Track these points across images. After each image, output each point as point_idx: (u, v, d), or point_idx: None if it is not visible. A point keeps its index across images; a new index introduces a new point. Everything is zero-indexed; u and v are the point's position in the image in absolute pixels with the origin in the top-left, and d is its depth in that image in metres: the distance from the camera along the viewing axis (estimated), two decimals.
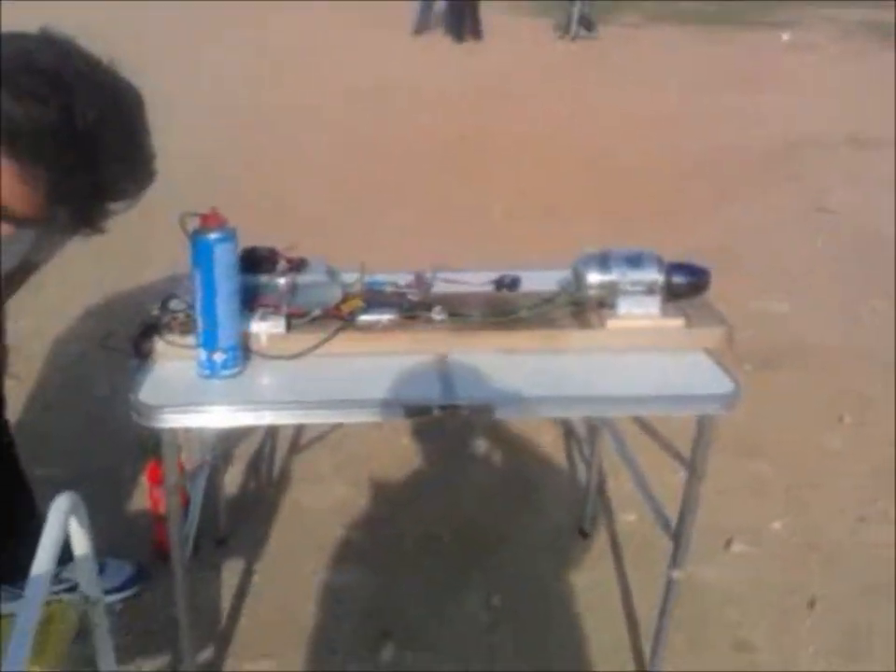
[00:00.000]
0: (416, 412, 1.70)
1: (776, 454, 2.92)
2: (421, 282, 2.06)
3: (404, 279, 2.04)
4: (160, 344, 1.81)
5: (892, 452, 2.95)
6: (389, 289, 1.99)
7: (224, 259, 1.68)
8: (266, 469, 2.89)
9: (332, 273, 1.94)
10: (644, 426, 2.06)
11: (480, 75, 9.37)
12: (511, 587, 2.37)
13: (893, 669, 2.11)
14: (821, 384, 3.34)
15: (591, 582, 2.40)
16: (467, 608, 2.31)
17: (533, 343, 1.87)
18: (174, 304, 1.88)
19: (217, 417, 1.69)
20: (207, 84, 8.15)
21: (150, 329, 1.87)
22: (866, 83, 9.06)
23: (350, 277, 1.97)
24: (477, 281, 2.09)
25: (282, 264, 1.88)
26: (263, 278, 1.85)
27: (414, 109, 7.67)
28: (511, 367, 1.82)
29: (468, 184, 5.80)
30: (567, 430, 3.03)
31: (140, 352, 1.87)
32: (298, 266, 1.89)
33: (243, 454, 2.91)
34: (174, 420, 1.66)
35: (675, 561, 1.89)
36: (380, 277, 2.03)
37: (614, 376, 1.80)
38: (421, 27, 12.19)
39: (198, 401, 1.67)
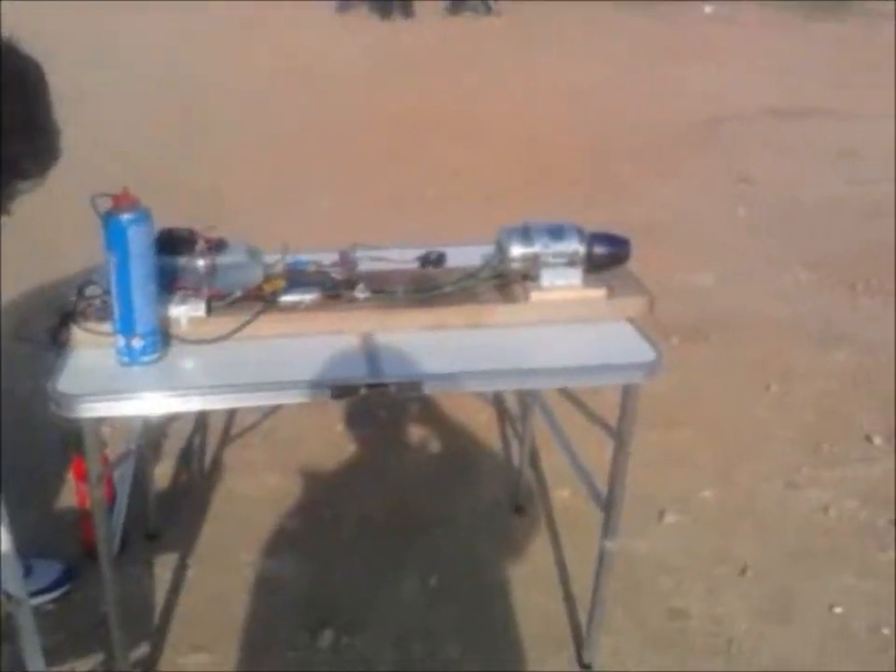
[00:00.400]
0: (343, 391, 1.68)
1: (704, 424, 2.96)
2: (345, 260, 2.02)
3: (328, 258, 2.01)
4: (76, 332, 1.75)
5: (813, 417, 3.01)
6: (312, 268, 1.96)
7: (138, 240, 1.63)
8: (197, 459, 2.84)
9: (253, 254, 1.89)
10: (574, 400, 2.07)
11: (405, 53, 9.28)
12: (449, 567, 2.37)
13: (821, 631, 2.16)
14: (748, 354, 3.39)
15: (527, 558, 2.41)
16: (404, 590, 2.30)
17: (458, 318, 1.85)
18: (90, 291, 1.83)
19: (139, 405, 1.65)
20: (125, 64, 7.94)
21: (68, 318, 1.82)
22: (787, 55, 9.19)
23: (272, 258, 1.93)
24: (402, 258, 2.06)
25: (201, 245, 1.83)
26: (182, 260, 1.80)
27: (339, 89, 7.56)
28: (438, 343, 1.80)
29: (398, 165, 5.75)
30: (501, 409, 3.03)
31: (58, 342, 1.82)
32: (217, 247, 1.84)
33: (172, 444, 2.85)
34: (93, 409, 1.61)
35: (607, 532, 1.91)
36: (303, 257, 1.99)
37: (539, 348, 1.80)
38: (344, 4, 11.98)
39: (118, 389, 1.62)
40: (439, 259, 2.09)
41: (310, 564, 2.38)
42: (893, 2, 11.58)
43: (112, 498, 2.28)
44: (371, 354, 1.75)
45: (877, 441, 2.86)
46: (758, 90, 7.57)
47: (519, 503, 2.60)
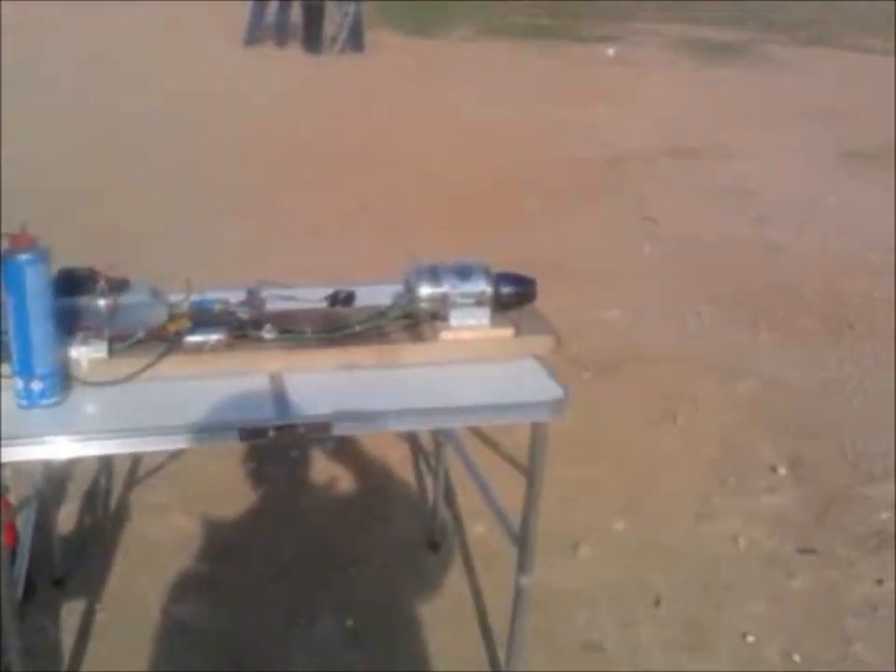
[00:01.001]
0: (252, 434, 1.65)
1: (614, 457, 3.00)
2: (253, 299, 2.00)
3: (235, 297, 1.98)
4: None
5: (719, 449, 3.08)
6: (218, 308, 1.93)
7: (35, 281, 1.59)
8: (102, 501, 2.75)
9: (156, 293, 1.86)
10: (485, 437, 2.07)
11: (312, 86, 9.29)
12: (365, 607, 2.34)
13: (735, 660, 2.19)
14: (656, 387, 3.45)
15: (444, 595, 2.40)
16: (320, 631, 2.26)
17: (368, 357, 1.84)
18: None
19: (40, 450, 1.59)
20: (28, 87, 7.76)
21: None
22: (685, 98, 9.50)
23: (177, 296, 1.89)
24: (311, 297, 2.05)
25: (101, 285, 1.79)
26: (82, 300, 1.76)
27: (246, 119, 7.51)
28: (347, 383, 1.79)
29: (304, 196, 5.72)
30: (415, 446, 3.02)
31: None
32: (119, 286, 1.81)
33: (76, 487, 2.76)
34: None
35: (522, 568, 1.91)
36: (209, 295, 1.96)
37: (448, 387, 1.80)
38: (252, 37, 11.94)
39: (18, 434, 1.56)
40: (347, 299, 2.08)
41: (223, 607, 2.32)
42: (792, 47, 12.14)
43: (15, 543, 2.21)
44: (278, 395, 1.72)
45: (781, 470, 2.94)
46: (658, 131, 7.78)
47: (434, 540, 2.59)
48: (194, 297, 1.91)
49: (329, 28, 11.93)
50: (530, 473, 1.85)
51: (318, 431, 1.68)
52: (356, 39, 11.75)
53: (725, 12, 16.80)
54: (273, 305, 1.97)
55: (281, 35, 11.99)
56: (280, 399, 1.70)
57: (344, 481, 2.87)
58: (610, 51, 12.05)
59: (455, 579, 2.46)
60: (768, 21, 15.86)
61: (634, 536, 2.62)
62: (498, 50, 12.34)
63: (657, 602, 2.36)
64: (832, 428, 3.20)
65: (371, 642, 2.23)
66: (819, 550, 2.57)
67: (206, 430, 1.63)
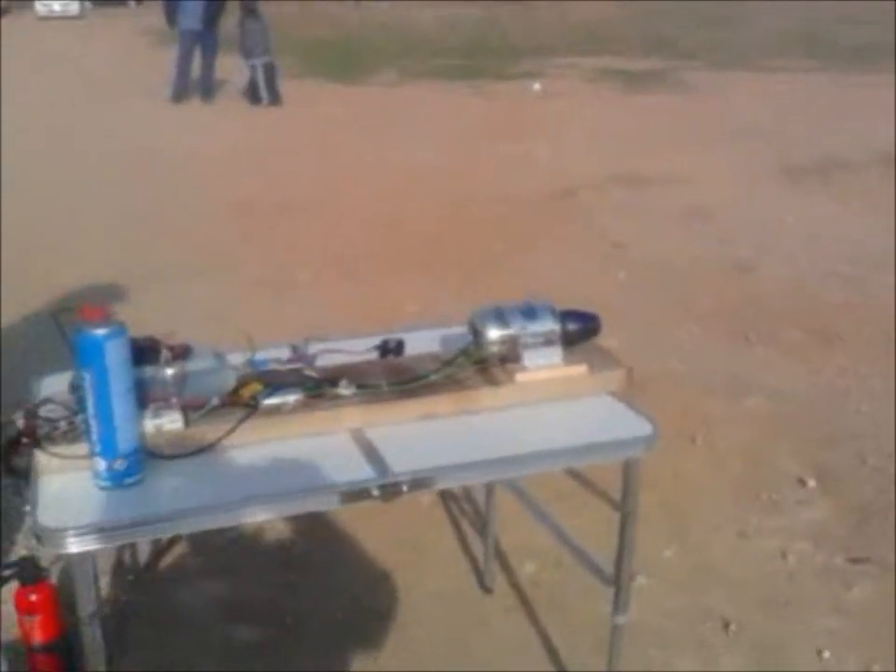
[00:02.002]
0: (354, 496, 1.59)
1: (646, 484, 2.96)
2: (303, 356, 1.94)
3: (279, 354, 1.91)
4: (41, 458, 1.60)
5: (744, 466, 3.09)
6: (272, 367, 1.86)
7: (115, 355, 1.52)
8: (131, 577, 2.61)
9: (220, 357, 1.79)
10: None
11: (250, 139, 9.23)
12: (434, 663, 2.26)
13: None
14: (667, 410, 3.42)
15: (510, 639, 2.35)
16: None
17: (447, 407, 1.80)
18: (47, 412, 1.67)
19: (132, 533, 1.50)
20: None
21: (15, 443, 1.67)
22: (617, 124, 9.69)
23: (236, 359, 1.83)
24: (358, 349, 1.99)
25: (166, 353, 1.71)
26: (148, 371, 1.68)
27: (183, 174, 7.40)
28: (429, 434, 1.74)
29: (260, 249, 5.63)
30: (444, 491, 2.96)
31: (12, 469, 1.67)
32: (182, 353, 1.74)
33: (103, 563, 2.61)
34: (84, 543, 1.45)
35: (617, 608, 1.87)
36: (257, 356, 1.89)
37: (536, 431, 1.77)
38: (178, 94, 11.84)
39: (107, 519, 1.48)
40: (398, 348, 2.04)
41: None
42: (705, 71, 12.50)
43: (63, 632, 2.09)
44: (369, 452, 1.66)
45: (811, 483, 2.95)
46: (601, 160, 7.90)
47: (485, 583, 2.53)
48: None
49: (240, 81, 11.94)
50: (625, 511, 1.82)
51: (421, 487, 1.63)
52: (272, 92, 11.73)
53: (633, 43, 17.30)
54: (323, 361, 1.93)
55: (205, 90, 11.93)
56: (373, 456, 1.65)
57: (380, 528, 2.79)
58: (536, 86, 12.26)
59: (517, 621, 2.40)
60: (676, 50, 16.34)
61: (684, 562, 2.60)
62: (426, 93, 12.45)
63: (726, 626, 2.34)
64: (847, 437, 3.23)
65: None
66: (869, 559, 2.58)
67: (304, 496, 1.57)
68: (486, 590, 2.53)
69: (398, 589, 2.54)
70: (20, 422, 1.68)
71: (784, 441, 3.22)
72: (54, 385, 1.80)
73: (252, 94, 11.77)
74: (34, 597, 2.08)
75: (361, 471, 1.60)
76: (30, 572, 2.32)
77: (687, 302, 4.54)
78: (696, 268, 5.08)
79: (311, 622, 2.41)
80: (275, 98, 11.71)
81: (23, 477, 1.70)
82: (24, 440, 1.68)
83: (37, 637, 2.10)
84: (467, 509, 2.92)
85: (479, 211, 6.48)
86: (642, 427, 1.77)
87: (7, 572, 2.04)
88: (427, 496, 2.94)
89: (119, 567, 2.61)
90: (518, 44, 17.68)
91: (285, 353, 1.92)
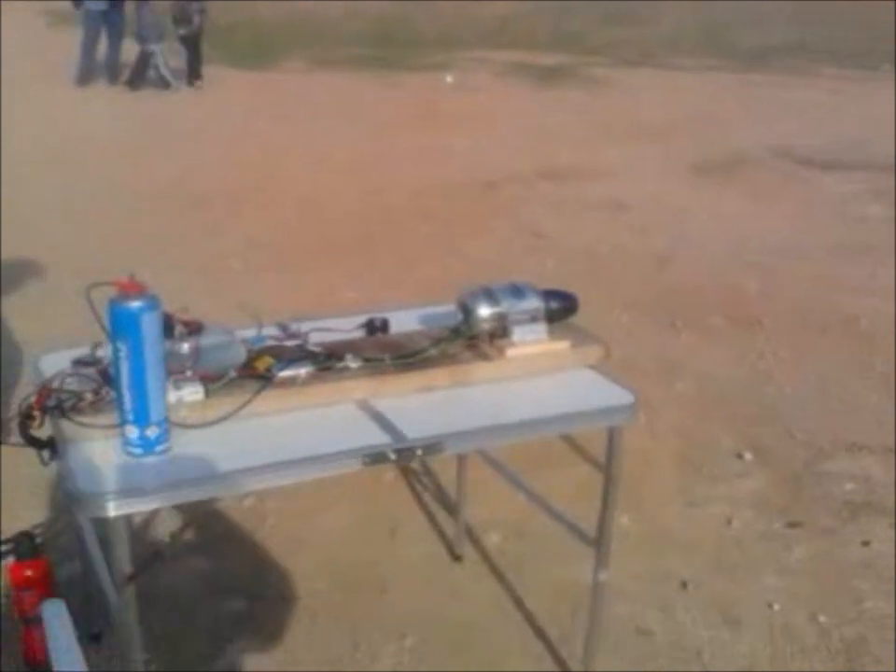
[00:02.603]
0: (375, 459, 1.70)
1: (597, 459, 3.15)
2: (296, 333, 2.04)
3: (271, 332, 2.00)
4: (68, 428, 1.66)
5: (684, 442, 3.30)
6: (270, 343, 1.95)
7: (150, 328, 1.60)
8: None
9: (230, 333, 1.88)
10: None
11: (161, 125, 9.11)
12: (415, 623, 2.39)
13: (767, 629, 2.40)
14: None
15: (484, 602, 2.49)
16: (386, 653, 2.30)
17: (444, 379, 1.93)
18: (69, 384, 1.73)
19: (171, 496, 1.59)
20: None
21: (29, 416, 1.74)
22: (531, 118, 9.92)
23: (241, 334, 1.92)
24: (345, 327, 2.10)
25: (180, 328, 1.79)
26: (166, 345, 1.75)
27: (93, 162, 7.28)
28: (429, 404, 1.86)
29: (187, 238, 5.62)
30: (406, 467, 3.08)
31: (31, 440, 1.73)
32: (197, 329, 1.82)
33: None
34: (124, 506, 1.53)
35: (600, 564, 2.03)
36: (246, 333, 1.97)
37: (527, 400, 1.91)
38: (83, 77, 11.53)
39: (144, 482, 1.56)
40: (384, 326, 2.15)
41: (276, 647, 2.32)
42: (614, 68, 12.86)
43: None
44: (379, 420, 1.78)
45: (747, 456, 3.18)
46: (518, 153, 8.08)
47: (455, 552, 2.67)
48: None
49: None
50: (608, 475, 1.98)
51: (433, 451, 1.75)
52: (161, 77, 11.56)
53: (540, 38, 17.62)
54: (315, 337, 2.02)
55: (112, 72, 11.67)
56: (384, 423, 1.76)
57: (349, 504, 2.89)
58: (449, 78, 12.40)
59: (489, 586, 2.54)
60: (584, 46, 16.71)
61: (640, 528, 2.78)
62: (337, 81, 12.46)
63: (684, 585, 2.53)
64: (775, 415, 3.48)
65: (437, 656, 2.29)
66: (804, 523, 2.81)
67: (329, 460, 1.67)
68: (456, 558, 2.67)
69: (371, 560, 2.66)
70: (32, 397, 1.75)
71: (717, 420, 3.45)
72: (54, 363, 1.85)
73: (159, 80, 11.57)
74: (29, 572, 2.14)
75: (377, 437, 1.71)
76: (27, 547, 2.37)
77: (612, 290, 4.74)
78: (618, 257, 5.32)
79: (290, 594, 2.50)
80: (164, 83, 11.53)
81: (43, 447, 1.77)
82: (36, 413, 1.75)
83: (32, 611, 2.15)
84: (428, 484, 3.05)
85: (402, 201, 6.58)
86: (625, 397, 1.93)
87: (4, 548, 2.08)
88: (390, 472, 3.06)
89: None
90: (426, 36, 17.78)
91: (271, 331, 2.01)
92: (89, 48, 11.60)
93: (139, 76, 11.48)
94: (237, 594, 2.50)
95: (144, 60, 11.48)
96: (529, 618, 2.42)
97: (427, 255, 5.37)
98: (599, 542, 2.02)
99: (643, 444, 3.27)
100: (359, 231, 5.86)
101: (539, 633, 2.36)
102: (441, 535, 2.77)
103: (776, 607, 2.45)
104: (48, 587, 2.15)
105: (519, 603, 2.47)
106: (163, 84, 11.53)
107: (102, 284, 1.62)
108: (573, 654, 2.26)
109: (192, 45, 11.81)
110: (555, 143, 8.51)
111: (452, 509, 2.84)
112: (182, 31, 11.70)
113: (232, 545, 2.70)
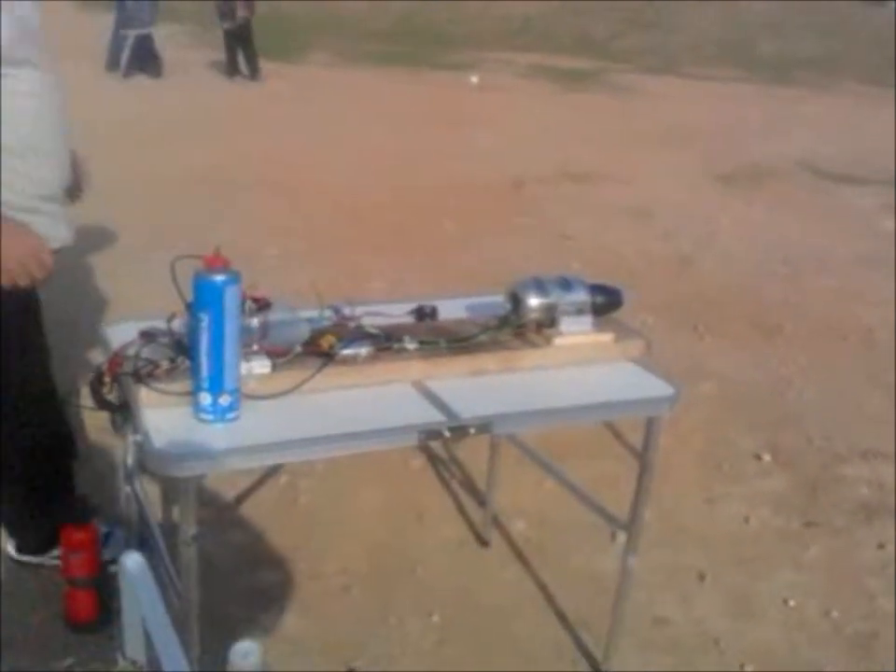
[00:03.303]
0: (429, 436, 1.80)
1: (621, 454, 3.25)
2: (348, 316, 2.14)
3: (327, 314, 2.10)
4: (144, 394, 1.76)
5: (705, 442, 3.40)
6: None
7: (231, 300, 1.70)
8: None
9: (294, 311, 1.98)
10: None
11: (197, 113, 9.23)
12: (442, 602, 2.48)
13: (782, 622, 2.49)
14: None
15: (510, 586, 2.59)
16: (412, 629, 2.40)
17: (494, 364, 2.03)
18: (146, 352, 1.84)
19: (244, 459, 1.70)
20: None
21: (100, 381, 1.85)
22: (555, 119, 10.02)
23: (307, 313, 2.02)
24: (395, 312, 2.20)
25: (249, 304, 1.89)
26: None
27: (130, 148, 7.39)
28: (481, 387, 1.97)
29: (222, 223, 5.72)
30: (431, 454, 3.19)
31: (104, 403, 1.84)
32: (265, 305, 1.92)
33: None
34: (197, 467, 1.64)
35: (630, 548, 2.13)
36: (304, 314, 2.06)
37: (573, 387, 2.01)
38: (114, 63, 11.65)
39: (219, 446, 1.66)
40: (433, 313, 2.26)
41: (309, 618, 2.41)
42: (636, 74, 12.94)
43: (98, 574, 2.25)
44: (433, 399, 1.88)
45: (766, 457, 3.28)
46: (543, 155, 8.19)
47: (483, 537, 2.77)
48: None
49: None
50: (645, 463, 2.08)
51: (485, 431, 1.85)
52: (147, 64, 11.65)
53: (563, 41, 17.73)
54: (367, 321, 2.13)
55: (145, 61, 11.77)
56: (438, 403, 1.86)
57: (378, 489, 3.00)
58: (474, 78, 12.53)
59: (515, 572, 2.65)
60: (608, 52, 16.83)
61: (660, 522, 2.87)
62: (365, 77, 12.60)
63: (702, 577, 2.63)
64: (793, 419, 3.58)
65: (461, 634, 2.38)
66: (820, 523, 2.91)
67: (389, 434, 1.77)
68: (483, 543, 2.77)
69: (400, 542, 2.76)
70: (104, 364, 1.86)
71: (738, 422, 3.54)
72: (121, 334, 1.96)
73: (133, 63, 11.64)
74: (80, 535, 2.25)
75: (432, 415, 1.82)
76: (81, 511, 2.49)
77: (637, 292, 4.82)
78: (643, 261, 5.42)
79: (323, 568, 2.61)
80: (153, 71, 11.60)
81: (114, 411, 1.88)
82: (106, 379, 1.87)
83: (78, 573, 2.27)
84: (455, 471, 3.15)
85: (429, 197, 6.69)
86: (666, 389, 2.03)
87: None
88: (416, 459, 3.17)
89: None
90: (450, 34, 17.92)
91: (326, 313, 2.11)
92: (119, 36, 11.73)
93: (139, 61, 11.53)
94: (273, 566, 2.60)
95: (141, 44, 11.51)
96: (551, 602, 2.52)
97: (455, 251, 5.47)
98: (631, 526, 2.12)
99: (666, 442, 3.30)
100: (388, 225, 5.98)
101: (561, 616, 2.46)
102: (467, 521, 2.87)
103: (791, 602, 2.55)
104: (94, 552, 2.27)
105: (543, 588, 2.57)
106: (155, 72, 11.60)
107: (189, 256, 1.73)
108: (593, 638, 2.37)
109: (237, 39, 11.89)
110: (580, 145, 8.62)
111: (476, 496, 2.97)
112: (226, 25, 11.81)
113: (267, 521, 2.79)
